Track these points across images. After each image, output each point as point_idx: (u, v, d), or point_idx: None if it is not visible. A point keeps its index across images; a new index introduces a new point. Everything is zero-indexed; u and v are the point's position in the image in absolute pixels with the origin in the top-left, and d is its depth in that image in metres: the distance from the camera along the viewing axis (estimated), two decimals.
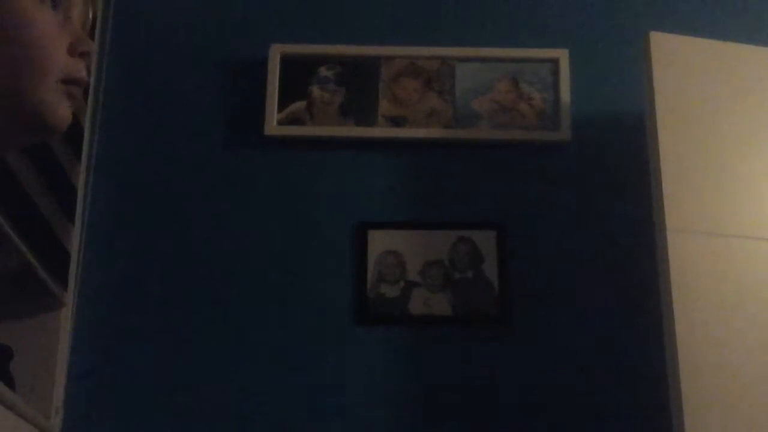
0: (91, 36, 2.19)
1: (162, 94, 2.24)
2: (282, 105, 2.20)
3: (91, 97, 2.15)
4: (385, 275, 2.09)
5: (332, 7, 2.30)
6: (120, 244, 2.12)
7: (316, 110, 2.21)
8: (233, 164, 2.18)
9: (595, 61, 2.25)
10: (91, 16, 0.84)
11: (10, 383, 1.77)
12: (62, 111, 0.76)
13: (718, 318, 1.75)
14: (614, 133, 2.19)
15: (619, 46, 2.24)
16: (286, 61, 2.22)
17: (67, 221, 1.99)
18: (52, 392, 1.90)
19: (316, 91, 2.22)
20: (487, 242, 2.11)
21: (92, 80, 2.16)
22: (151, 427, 1.99)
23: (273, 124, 2.18)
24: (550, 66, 2.23)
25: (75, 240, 2.04)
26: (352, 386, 2.02)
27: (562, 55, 2.23)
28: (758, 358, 1.75)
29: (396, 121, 2.20)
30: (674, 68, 1.92)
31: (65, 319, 1.97)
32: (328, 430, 2.00)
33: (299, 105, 2.21)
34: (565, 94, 2.20)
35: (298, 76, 2.22)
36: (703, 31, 2.05)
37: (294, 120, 2.20)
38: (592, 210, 2.15)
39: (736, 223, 1.84)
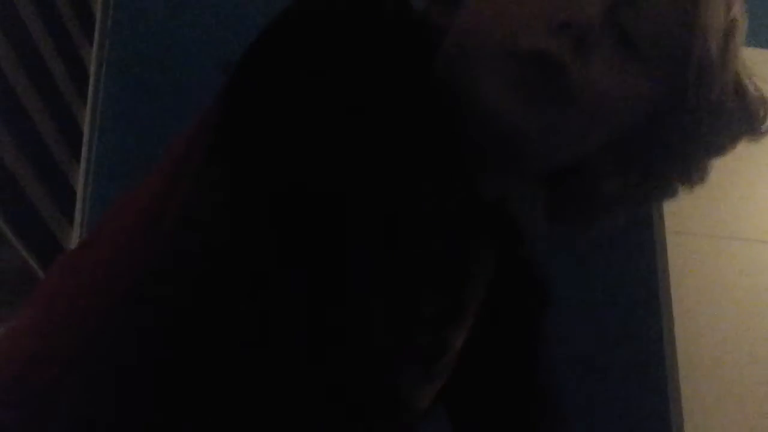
0: (97, 37, 2.19)
1: (162, 94, 2.23)
2: None
3: (90, 97, 2.15)
4: None
5: None
6: None
7: None
8: None
9: None
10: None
11: None
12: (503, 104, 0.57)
13: (717, 319, 1.75)
14: None
15: None
16: None
17: (67, 224, 1.99)
18: None
19: None
20: None
21: (92, 80, 2.16)
22: None
23: None
24: None
25: (75, 242, 2.04)
26: None
27: None
28: (758, 358, 1.75)
29: None
30: None
31: None
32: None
33: None
34: None
35: None
36: None
37: None
38: None
39: (735, 225, 1.84)
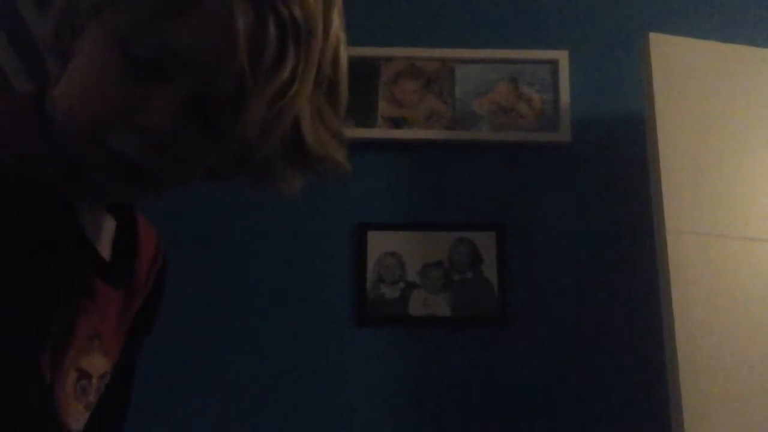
0: None
1: None
2: None
3: None
4: (384, 276, 2.09)
5: None
6: None
7: None
8: None
9: (595, 62, 2.25)
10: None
11: None
12: (96, 177, 0.65)
13: (717, 318, 1.75)
14: (614, 134, 2.19)
15: (619, 46, 2.25)
16: None
17: None
18: None
19: None
20: (487, 243, 2.11)
21: None
22: (153, 428, 1.98)
23: None
24: (550, 67, 2.23)
25: None
26: (352, 386, 2.02)
27: (562, 56, 2.23)
28: (757, 358, 1.75)
29: (396, 123, 2.20)
30: (674, 69, 1.92)
31: None
32: (328, 430, 2.00)
33: None
34: (565, 95, 2.20)
35: None
36: (702, 32, 2.05)
37: None
38: (592, 210, 2.15)
39: (735, 224, 1.84)
